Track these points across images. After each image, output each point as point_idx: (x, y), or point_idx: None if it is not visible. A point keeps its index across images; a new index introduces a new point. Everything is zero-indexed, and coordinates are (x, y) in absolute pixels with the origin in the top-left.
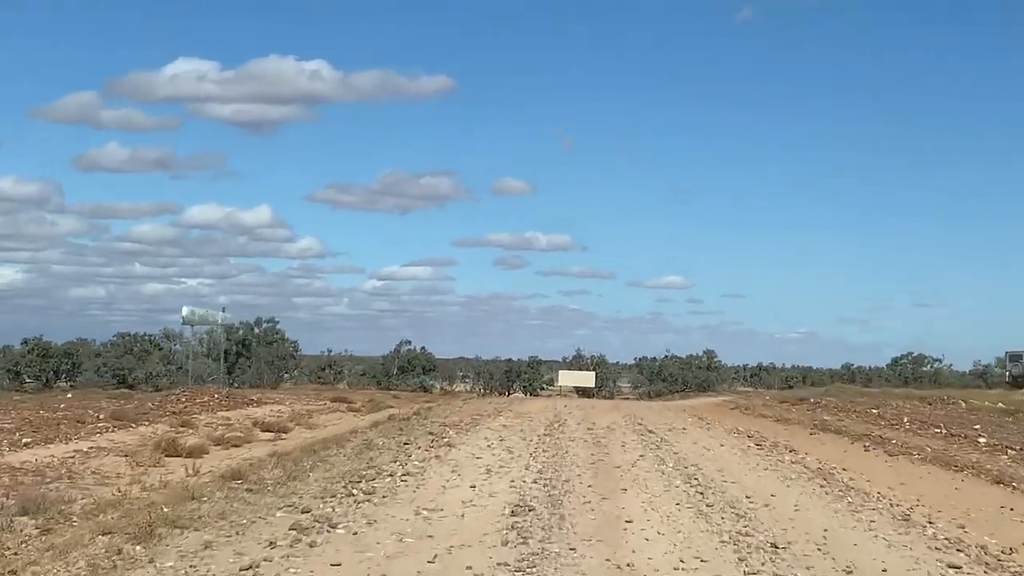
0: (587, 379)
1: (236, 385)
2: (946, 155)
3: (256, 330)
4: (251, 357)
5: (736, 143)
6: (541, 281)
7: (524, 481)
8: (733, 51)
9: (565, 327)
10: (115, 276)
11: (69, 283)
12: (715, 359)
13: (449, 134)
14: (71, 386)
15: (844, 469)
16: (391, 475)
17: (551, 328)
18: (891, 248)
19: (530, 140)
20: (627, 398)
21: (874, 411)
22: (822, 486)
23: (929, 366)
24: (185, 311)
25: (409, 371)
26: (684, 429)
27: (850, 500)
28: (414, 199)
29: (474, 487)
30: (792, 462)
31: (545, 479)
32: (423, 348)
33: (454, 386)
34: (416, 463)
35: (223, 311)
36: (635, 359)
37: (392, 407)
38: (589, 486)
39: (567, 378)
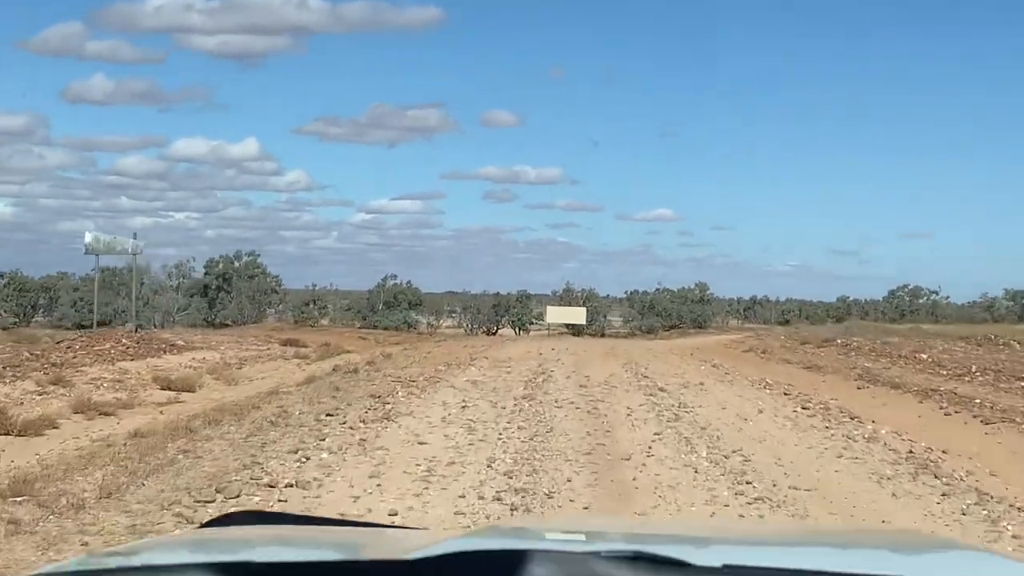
0: (577, 315)
1: (215, 321)
2: (936, 84)
3: (236, 264)
4: (232, 292)
5: (725, 75)
6: (530, 214)
7: (481, 498)
8: None
9: (554, 261)
10: (103, 210)
11: (57, 217)
12: (707, 292)
13: (437, 66)
14: (50, 323)
15: (944, 452)
16: (271, 485)
17: (540, 262)
18: (881, 179)
19: (519, 72)
20: (619, 334)
21: (923, 356)
22: (945, 494)
23: (926, 298)
24: (88, 237)
25: (395, 306)
26: (702, 384)
27: (1011, 528)
28: (402, 131)
29: (395, 513)
30: (867, 439)
31: (515, 492)
32: (409, 282)
33: (440, 322)
34: (325, 455)
35: (134, 238)
36: (626, 293)
37: (351, 351)
38: (585, 507)
39: (556, 314)
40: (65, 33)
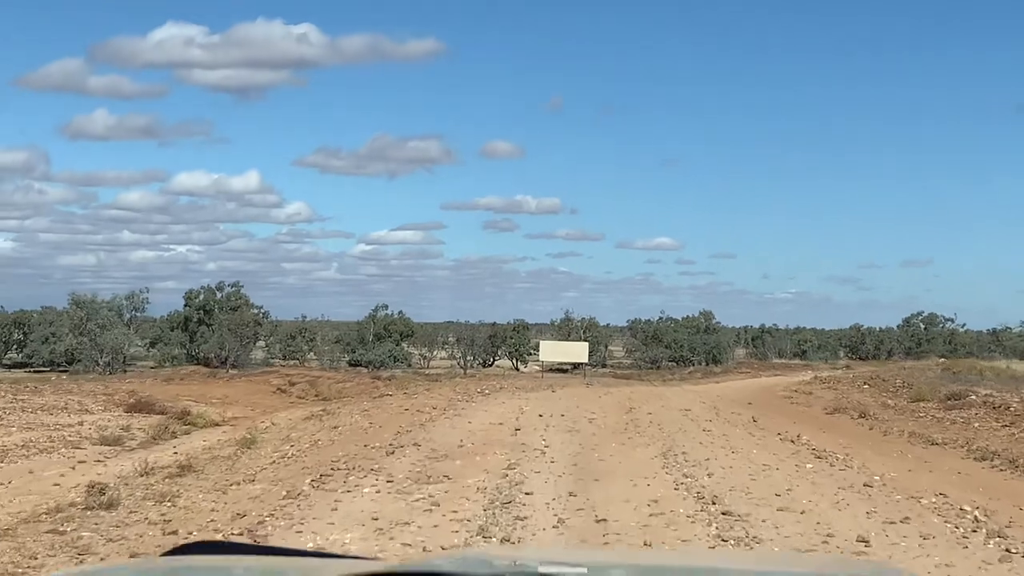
0: (577, 352)
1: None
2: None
3: (219, 295)
4: (212, 325)
5: (725, 103)
6: (530, 244)
7: None
8: (721, 13)
9: (555, 290)
10: (104, 244)
11: (58, 251)
12: (713, 320)
13: (437, 97)
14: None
15: None
16: None
17: (541, 291)
18: (881, 206)
19: (518, 102)
20: (621, 368)
21: None
22: None
23: (940, 326)
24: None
25: (386, 338)
26: (865, 543)
27: None
28: (402, 163)
29: None
30: None
31: None
32: (400, 312)
33: (434, 353)
34: None
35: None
36: (628, 321)
37: (226, 421)
38: None
39: (552, 351)
40: (66, 69)
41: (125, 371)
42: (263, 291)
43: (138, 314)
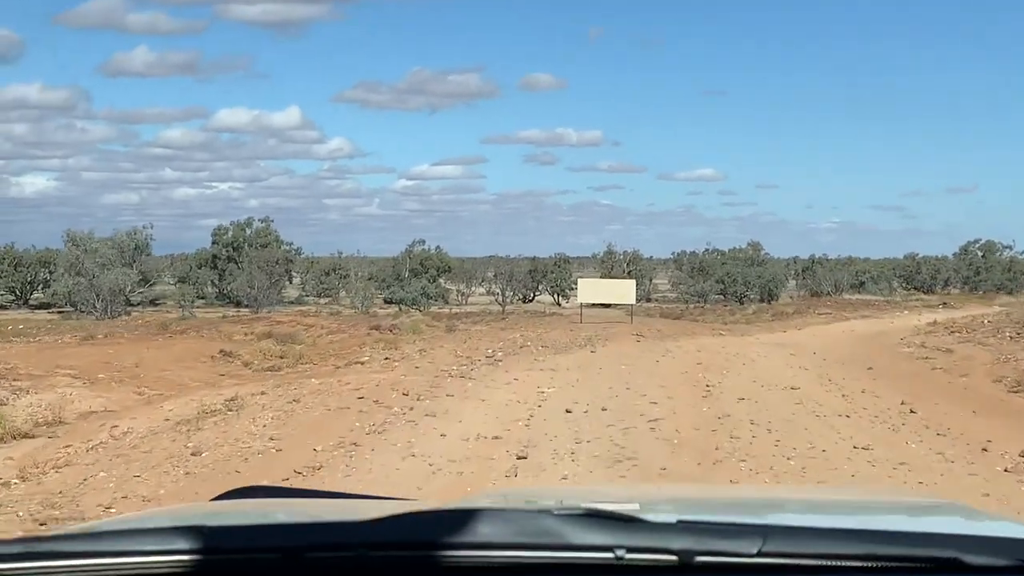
0: (623, 292)
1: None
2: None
3: (248, 231)
4: (241, 262)
5: (767, 33)
6: (572, 177)
7: None
8: None
9: (597, 223)
10: (147, 182)
11: (101, 190)
12: (761, 252)
13: (477, 29)
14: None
15: None
16: None
17: (583, 225)
18: (922, 133)
19: (558, 34)
20: (667, 304)
21: None
22: None
23: (998, 254)
24: None
25: (422, 274)
26: None
27: None
28: (443, 97)
29: None
30: None
31: None
32: (438, 247)
33: (472, 290)
34: None
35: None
36: (672, 254)
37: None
38: None
39: (593, 291)
40: (105, 6)
41: (128, 314)
42: (304, 228)
43: (143, 254)
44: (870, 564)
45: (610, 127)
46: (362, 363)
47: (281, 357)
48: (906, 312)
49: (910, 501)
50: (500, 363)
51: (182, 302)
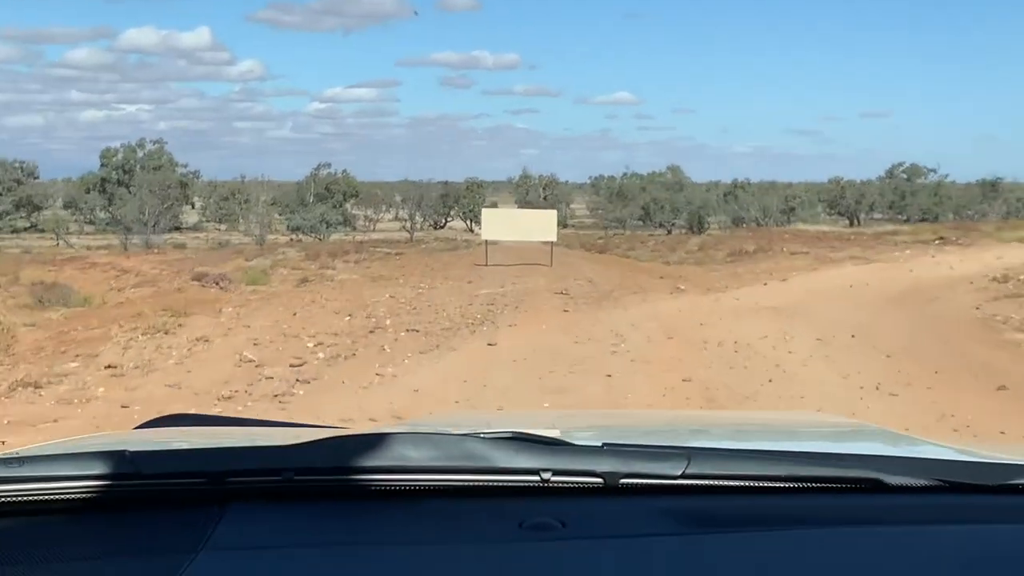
0: (542, 226)
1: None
2: None
3: (139, 153)
4: (132, 187)
5: None
6: (487, 101)
7: None
8: None
9: (513, 147)
10: (52, 104)
11: (3, 111)
12: (682, 176)
13: None
14: None
15: None
16: None
17: (498, 149)
18: (836, 58)
19: None
20: (585, 229)
21: None
22: None
23: (923, 178)
24: None
25: (328, 199)
26: None
27: None
28: (357, 18)
29: None
30: None
31: None
32: (344, 171)
33: (380, 216)
34: None
35: None
36: (590, 178)
37: None
38: None
39: (500, 224)
40: None
41: None
42: (215, 151)
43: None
44: (792, 484)
45: (527, 50)
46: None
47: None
48: (907, 252)
49: (833, 423)
50: (309, 384)
51: (56, 230)
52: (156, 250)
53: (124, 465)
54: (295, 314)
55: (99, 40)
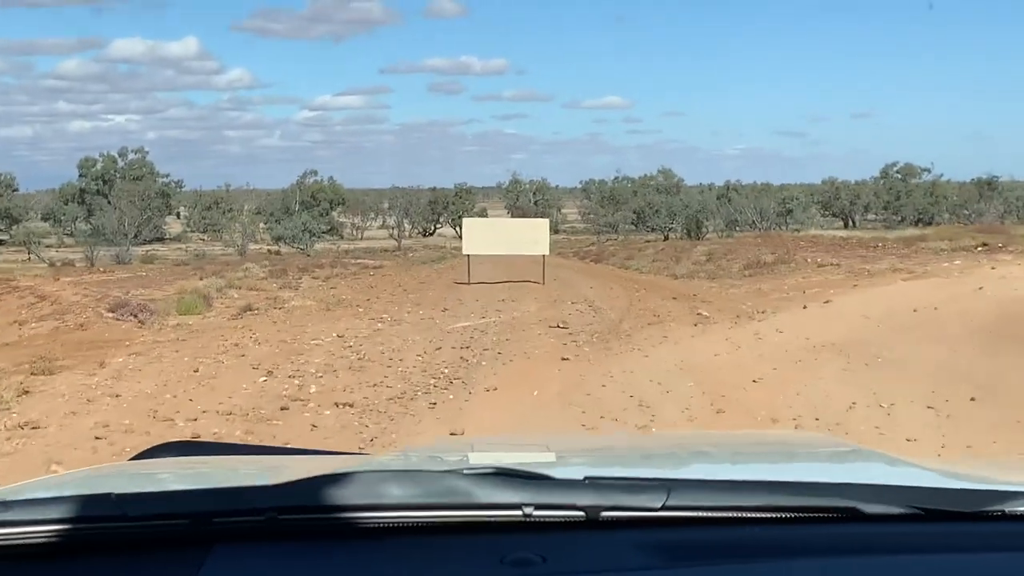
0: (532, 237)
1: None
2: None
3: (119, 163)
4: (112, 198)
5: None
6: (477, 107)
7: None
8: None
9: (502, 152)
10: (40, 115)
11: None
12: (675, 179)
13: None
14: None
15: None
16: None
17: (488, 154)
18: (825, 60)
19: None
20: (575, 240)
21: None
22: None
23: (917, 177)
24: None
25: (313, 207)
26: None
27: None
28: (346, 25)
29: None
30: None
31: None
32: (331, 178)
33: (368, 224)
34: None
35: None
36: (580, 183)
37: None
38: None
39: (484, 236)
40: None
41: None
42: (204, 161)
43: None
44: (771, 515)
45: (515, 55)
46: None
47: None
48: (957, 262)
49: (835, 442)
50: None
51: (27, 243)
52: (102, 269)
53: (110, 507)
54: (197, 370)
55: (87, 51)
